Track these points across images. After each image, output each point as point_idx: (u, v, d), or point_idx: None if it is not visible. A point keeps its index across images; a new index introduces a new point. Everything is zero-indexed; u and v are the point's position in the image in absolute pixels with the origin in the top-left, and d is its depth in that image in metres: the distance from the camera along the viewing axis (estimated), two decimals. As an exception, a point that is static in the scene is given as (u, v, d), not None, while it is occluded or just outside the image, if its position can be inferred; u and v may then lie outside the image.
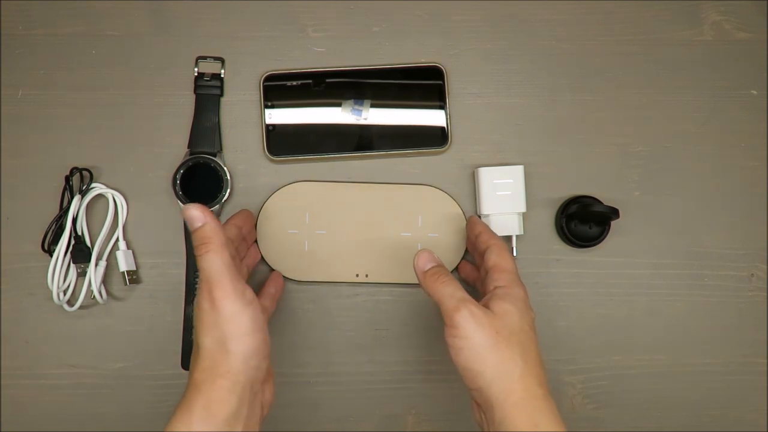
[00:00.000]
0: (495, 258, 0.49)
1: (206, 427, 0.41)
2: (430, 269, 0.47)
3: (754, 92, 0.60)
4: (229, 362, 0.42)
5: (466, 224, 0.51)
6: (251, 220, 0.55)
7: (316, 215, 0.57)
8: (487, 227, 0.53)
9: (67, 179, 0.56)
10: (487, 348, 0.43)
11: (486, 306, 0.45)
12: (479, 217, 0.57)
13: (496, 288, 0.47)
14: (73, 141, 0.57)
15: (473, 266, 0.56)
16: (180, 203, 0.56)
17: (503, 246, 0.50)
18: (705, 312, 0.59)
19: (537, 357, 0.45)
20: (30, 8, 0.58)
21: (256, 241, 0.56)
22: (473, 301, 0.45)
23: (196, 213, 0.44)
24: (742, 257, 0.59)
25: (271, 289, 0.55)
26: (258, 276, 0.57)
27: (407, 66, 0.58)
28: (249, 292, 0.43)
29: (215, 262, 0.43)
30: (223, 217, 0.57)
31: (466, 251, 0.57)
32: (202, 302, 0.43)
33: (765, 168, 0.59)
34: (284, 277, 0.57)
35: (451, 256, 0.57)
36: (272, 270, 0.57)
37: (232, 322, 0.42)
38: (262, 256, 0.56)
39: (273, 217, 0.57)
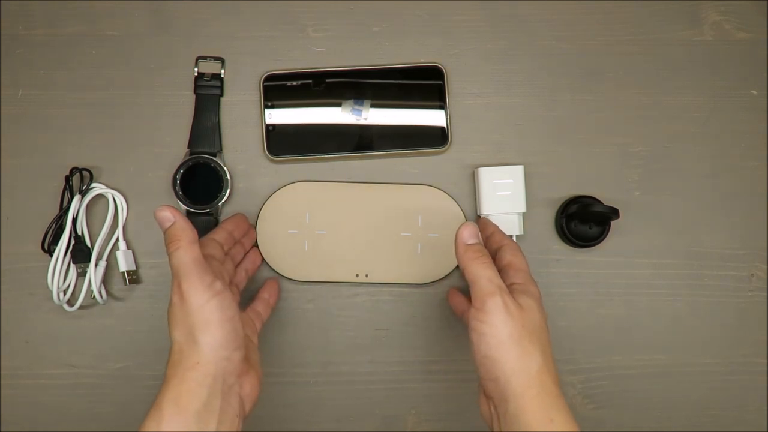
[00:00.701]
0: (510, 257, 0.49)
1: (177, 422, 0.41)
2: (473, 245, 0.46)
3: (754, 92, 0.60)
4: (197, 354, 0.42)
5: (457, 230, 0.47)
6: (244, 223, 0.55)
7: (316, 215, 0.57)
8: (498, 228, 0.53)
9: (67, 179, 0.56)
10: (513, 340, 0.43)
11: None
12: (480, 217, 0.57)
13: (513, 284, 0.47)
14: (73, 141, 0.57)
15: (464, 298, 0.54)
16: (181, 204, 0.56)
17: (517, 246, 0.50)
18: (705, 312, 0.59)
19: (551, 355, 0.46)
20: (30, 8, 0.58)
21: (257, 245, 0.56)
22: (507, 291, 0.45)
23: (166, 214, 0.44)
24: (742, 257, 0.59)
25: (265, 294, 0.54)
26: (259, 282, 0.57)
27: (407, 66, 0.58)
28: (218, 284, 0.44)
29: (183, 258, 0.43)
30: (223, 218, 0.57)
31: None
32: (173, 297, 0.43)
33: (765, 168, 0.59)
34: (284, 277, 0.57)
35: (451, 257, 0.57)
36: (272, 276, 0.57)
37: (199, 313, 0.42)
38: (263, 258, 0.56)
39: (273, 217, 0.57)
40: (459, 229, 0.47)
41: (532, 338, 0.44)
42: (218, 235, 0.52)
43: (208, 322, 0.42)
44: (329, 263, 0.57)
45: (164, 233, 0.45)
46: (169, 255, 0.44)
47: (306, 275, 0.57)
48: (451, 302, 0.56)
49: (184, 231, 0.44)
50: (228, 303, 0.44)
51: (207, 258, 0.46)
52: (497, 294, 0.44)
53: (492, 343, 0.44)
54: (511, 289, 0.46)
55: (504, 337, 0.43)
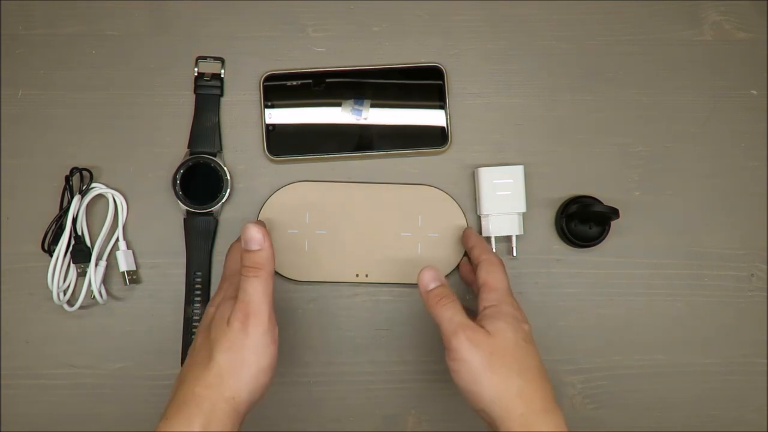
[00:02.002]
0: (484, 275, 0.49)
1: None
2: (433, 289, 0.47)
3: (754, 92, 0.60)
4: (237, 389, 0.42)
5: (419, 274, 0.48)
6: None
7: (316, 215, 0.57)
8: (480, 241, 0.53)
9: (67, 179, 0.56)
10: (483, 369, 0.44)
11: (480, 324, 0.46)
12: (480, 217, 0.57)
13: (485, 308, 0.47)
14: (73, 141, 0.57)
15: (472, 267, 0.56)
16: (181, 204, 0.56)
17: (493, 261, 0.50)
18: (705, 312, 0.59)
19: (537, 370, 0.45)
20: (30, 8, 0.58)
21: None
22: (471, 325, 0.45)
23: (257, 236, 0.44)
24: (742, 257, 0.59)
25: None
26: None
27: (407, 66, 0.58)
28: (276, 331, 0.44)
29: (259, 290, 0.43)
30: (225, 219, 0.57)
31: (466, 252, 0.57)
32: (234, 322, 0.43)
33: (765, 168, 0.59)
34: (285, 277, 0.57)
35: (451, 256, 0.57)
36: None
37: (256, 354, 0.43)
38: None
39: (273, 218, 0.57)
40: (420, 273, 0.48)
41: (505, 361, 0.44)
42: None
43: (259, 366, 0.43)
44: (329, 263, 0.57)
45: (245, 252, 0.44)
46: (244, 278, 0.44)
47: (306, 275, 0.57)
48: (461, 274, 0.57)
49: (269, 262, 0.44)
50: (276, 355, 0.44)
51: None
52: (459, 331, 0.45)
53: (466, 378, 0.44)
54: (482, 315, 0.47)
55: (475, 370, 0.44)
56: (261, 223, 0.46)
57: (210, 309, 0.47)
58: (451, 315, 0.46)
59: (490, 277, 0.49)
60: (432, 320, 0.47)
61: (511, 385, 0.44)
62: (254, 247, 0.44)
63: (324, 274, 0.57)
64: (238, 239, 0.49)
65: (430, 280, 0.48)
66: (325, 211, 0.57)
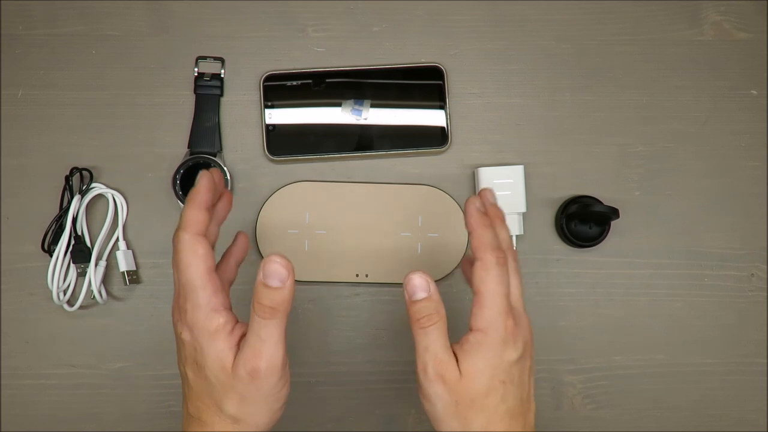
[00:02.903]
0: (477, 283, 0.41)
1: None
2: (418, 302, 0.42)
3: (754, 92, 0.60)
4: (253, 427, 0.41)
5: (406, 277, 0.43)
6: (222, 185, 0.46)
7: (316, 215, 0.57)
8: (480, 225, 0.42)
9: (67, 179, 0.56)
10: (446, 416, 0.41)
11: (459, 356, 0.41)
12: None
13: (471, 331, 0.41)
14: (73, 141, 0.57)
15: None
16: (181, 204, 0.56)
17: (489, 264, 0.41)
18: (705, 312, 0.59)
19: (507, 413, 0.41)
20: (30, 8, 0.58)
21: (256, 242, 0.56)
22: (444, 360, 0.40)
23: (282, 272, 0.38)
24: (742, 257, 0.59)
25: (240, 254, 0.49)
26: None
27: (407, 66, 0.58)
28: (288, 370, 0.42)
29: (275, 336, 0.39)
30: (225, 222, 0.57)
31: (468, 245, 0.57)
32: (242, 372, 0.39)
33: (765, 168, 0.59)
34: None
35: (451, 256, 0.57)
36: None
37: (268, 403, 0.41)
38: (251, 246, 0.56)
39: (273, 218, 0.57)
40: (407, 277, 0.42)
41: (469, 413, 0.40)
42: (230, 269, 0.46)
43: (273, 408, 0.41)
44: (329, 263, 0.57)
45: (266, 288, 0.38)
46: (258, 318, 0.39)
47: (306, 275, 0.57)
48: (465, 274, 0.51)
49: (289, 302, 0.39)
50: (290, 389, 0.42)
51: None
52: (428, 369, 0.40)
53: (431, 415, 0.42)
54: (466, 340, 0.41)
55: (438, 415, 0.41)
56: (285, 257, 0.39)
57: (183, 334, 0.42)
58: (427, 344, 0.41)
59: (482, 287, 0.41)
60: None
61: None
62: (275, 283, 0.38)
63: (324, 274, 0.57)
64: (184, 228, 0.41)
65: (417, 289, 0.42)
66: (324, 211, 0.57)
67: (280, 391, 0.41)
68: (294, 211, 0.57)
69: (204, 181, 0.41)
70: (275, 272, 0.38)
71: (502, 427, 0.41)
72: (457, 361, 0.41)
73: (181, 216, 0.41)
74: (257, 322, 0.39)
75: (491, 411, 0.41)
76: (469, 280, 0.52)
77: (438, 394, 0.41)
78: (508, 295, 0.41)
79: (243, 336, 0.41)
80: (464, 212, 0.43)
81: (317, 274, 0.57)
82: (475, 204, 0.43)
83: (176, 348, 0.44)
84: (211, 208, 0.43)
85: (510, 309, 0.41)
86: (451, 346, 0.42)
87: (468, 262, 0.45)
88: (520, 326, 0.42)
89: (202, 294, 0.40)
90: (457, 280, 0.58)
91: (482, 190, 0.45)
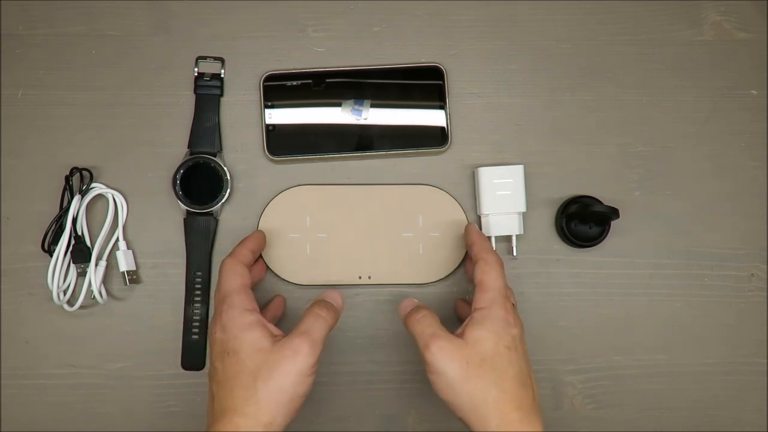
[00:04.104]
0: (480, 275, 0.48)
1: None
2: (409, 312, 0.48)
3: (754, 92, 0.60)
4: (273, 414, 0.43)
5: (464, 232, 0.52)
6: (264, 243, 0.54)
7: (316, 219, 0.57)
8: (480, 238, 0.51)
9: (67, 179, 0.56)
10: (459, 380, 0.44)
11: (463, 331, 0.46)
12: (480, 216, 0.57)
13: (475, 310, 0.47)
14: (73, 141, 0.57)
15: (465, 304, 0.55)
16: (181, 204, 0.56)
17: (489, 260, 0.49)
18: (705, 312, 0.59)
19: (516, 379, 0.45)
20: (30, 8, 0.58)
21: (261, 256, 0.56)
22: (443, 335, 0.45)
23: (340, 301, 0.49)
24: (742, 257, 0.59)
25: (277, 311, 0.56)
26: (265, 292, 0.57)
27: (407, 66, 0.58)
28: (315, 376, 0.46)
29: (324, 331, 0.46)
30: (225, 219, 0.57)
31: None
32: (286, 349, 0.44)
33: (765, 168, 0.59)
34: (287, 281, 0.57)
35: (451, 256, 0.57)
36: (276, 284, 0.57)
37: (295, 384, 0.44)
38: (266, 265, 0.56)
39: (273, 222, 0.57)
40: (400, 305, 0.50)
41: (481, 371, 0.44)
42: (245, 257, 0.50)
43: (296, 392, 0.44)
44: (331, 266, 0.57)
45: (325, 302, 0.48)
46: (316, 314, 0.46)
47: (309, 279, 0.57)
48: (468, 274, 0.57)
49: (336, 320, 0.48)
50: (313, 384, 0.46)
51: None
52: (430, 344, 0.45)
53: (444, 389, 0.45)
54: (471, 318, 0.46)
55: (450, 381, 0.44)
56: (338, 296, 0.50)
57: (216, 334, 0.46)
58: (422, 328, 0.46)
59: (485, 277, 0.48)
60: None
61: (487, 396, 0.43)
62: (335, 304, 0.48)
63: (327, 278, 0.57)
64: (231, 255, 0.49)
65: (407, 304, 0.50)
66: (325, 214, 0.57)
67: (308, 377, 0.44)
68: (294, 216, 0.57)
69: (257, 233, 0.54)
70: (336, 299, 0.49)
71: (513, 391, 0.44)
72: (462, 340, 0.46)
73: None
74: (314, 317, 0.46)
75: (501, 371, 0.44)
76: (470, 279, 0.53)
77: (446, 361, 0.44)
78: (505, 287, 0.48)
79: (275, 337, 0.46)
80: (465, 231, 0.54)
81: (320, 278, 0.57)
82: (474, 225, 0.55)
83: (208, 354, 0.50)
84: (254, 259, 0.51)
85: (508, 297, 0.48)
86: (455, 332, 0.46)
87: (470, 263, 0.52)
88: (516, 317, 0.47)
89: (237, 298, 0.46)
90: (458, 280, 0.58)
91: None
